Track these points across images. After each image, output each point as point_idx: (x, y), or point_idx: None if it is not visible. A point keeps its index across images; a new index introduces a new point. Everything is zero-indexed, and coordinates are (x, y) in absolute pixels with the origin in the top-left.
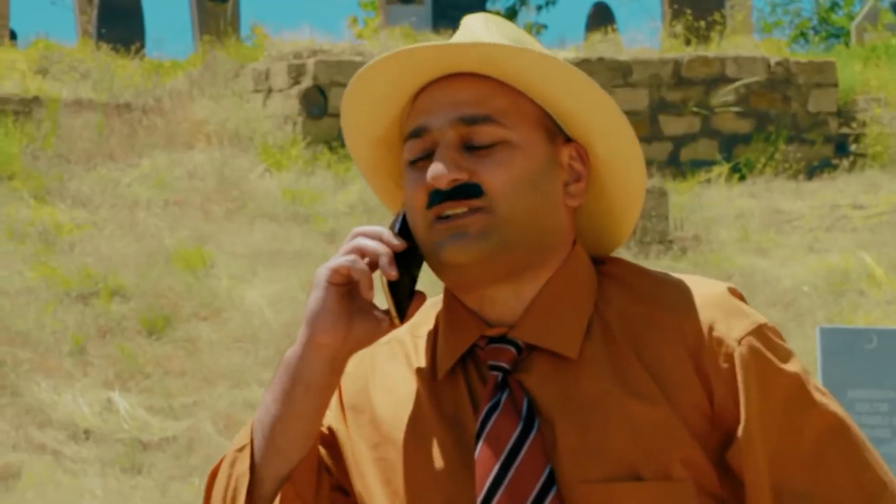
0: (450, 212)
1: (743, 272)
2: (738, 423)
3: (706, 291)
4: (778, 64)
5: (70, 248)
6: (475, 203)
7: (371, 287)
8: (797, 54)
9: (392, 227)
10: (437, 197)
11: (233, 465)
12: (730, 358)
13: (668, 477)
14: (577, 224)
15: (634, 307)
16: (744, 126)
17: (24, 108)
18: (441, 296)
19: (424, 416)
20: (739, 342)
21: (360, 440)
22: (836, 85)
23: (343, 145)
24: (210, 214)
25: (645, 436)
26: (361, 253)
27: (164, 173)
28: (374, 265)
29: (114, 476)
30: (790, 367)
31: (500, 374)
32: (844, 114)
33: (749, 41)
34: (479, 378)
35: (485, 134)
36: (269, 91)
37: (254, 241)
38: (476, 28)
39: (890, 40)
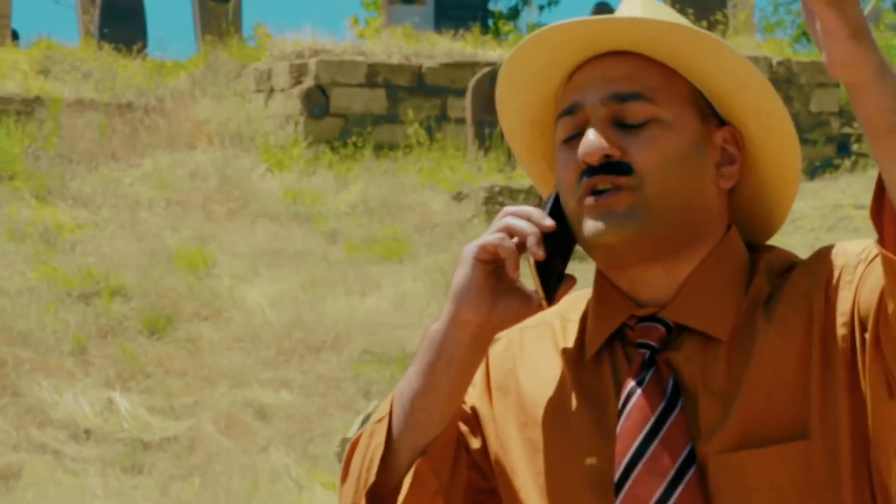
0: (600, 186)
1: None
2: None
3: (849, 241)
4: (780, 64)
5: (71, 248)
6: (624, 181)
7: (517, 266)
8: (799, 54)
9: (543, 207)
10: (588, 172)
11: (371, 435)
12: (851, 266)
13: (803, 436)
14: (733, 213)
15: (778, 278)
16: None
17: (26, 107)
18: (591, 287)
19: (568, 397)
20: (862, 251)
21: (507, 421)
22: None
23: (344, 145)
24: (211, 214)
25: (779, 403)
26: (510, 232)
27: (166, 173)
28: (522, 245)
29: (114, 476)
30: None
31: (647, 352)
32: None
33: (751, 41)
34: (625, 359)
35: (636, 111)
36: (271, 91)
37: (255, 240)
38: (634, 7)
39: (892, 40)
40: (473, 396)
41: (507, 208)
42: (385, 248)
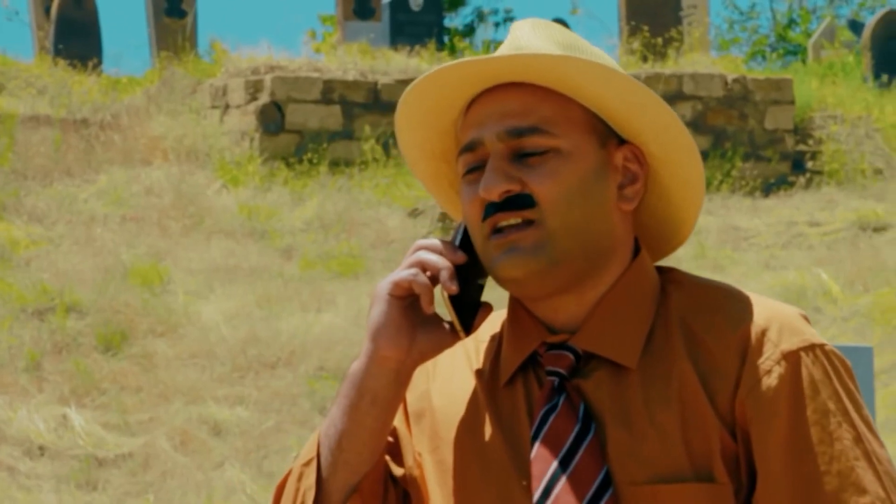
0: (503, 223)
1: None
2: (761, 440)
3: (772, 305)
4: (735, 81)
5: (26, 264)
6: (527, 214)
7: (432, 301)
8: (754, 71)
9: (453, 240)
10: (491, 209)
11: (300, 479)
12: (769, 371)
13: (710, 479)
14: (638, 229)
15: (696, 314)
16: (700, 143)
17: None
18: (506, 309)
19: (482, 421)
20: (784, 355)
21: (422, 443)
22: (792, 102)
23: (300, 161)
24: (167, 230)
25: (690, 440)
26: (423, 266)
27: (121, 189)
28: (436, 278)
29: (69, 492)
30: (826, 397)
31: (556, 379)
32: (801, 131)
33: (706, 58)
34: (538, 385)
35: (534, 144)
36: (227, 107)
37: (210, 256)
38: (523, 35)
39: (847, 57)
40: (394, 421)
41: (419, 242)
42: (341, 264)
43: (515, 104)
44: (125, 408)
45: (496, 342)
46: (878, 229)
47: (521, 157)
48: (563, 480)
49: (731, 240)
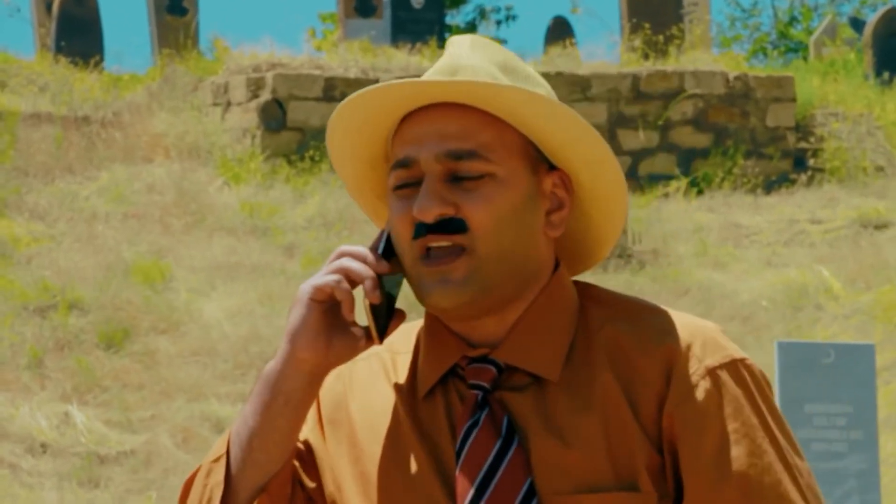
0: (434, 244)
1: (701, 286)
2: (690, 454)
3: (692, 320)
4: (736, 78)
5: (28, 262)
6: (458, 239)
7: (353, 309)
8: (756, 69)
9: (375, 248)
10: (423, 229)
11: (208, 475)
12: (695, 386)
13: (634, 488)
14: (557, 243)
15: (617, 326)
16: (702, 140)
17: None
18: (422, 318)
19: (403, 434)
20: (709, 371)
21: (340, 455)
22: (794, 99)
23: (301, 158)
24: (168, 228)
25: (614, 450)
26: (346, 274)
27: (123, 186)
28: (356, 284)
29: (71, 490)
30: (750, 412)
31: (480, 393)
32: (802, 128)
33: (707, 55)
34: (458, 398)
35: (471, 168)
36: (228, 104)
37: (212, 254)
38: (462, 53)
39: (848, 55)
40: (306, 431)
41: (343, 248)
42: None
43: (454, 127)
44: (127, 405)
45: (414, 355)
46: (880, 227)
47: (456, 179)
48: (486, 495)
49: (732, 237)
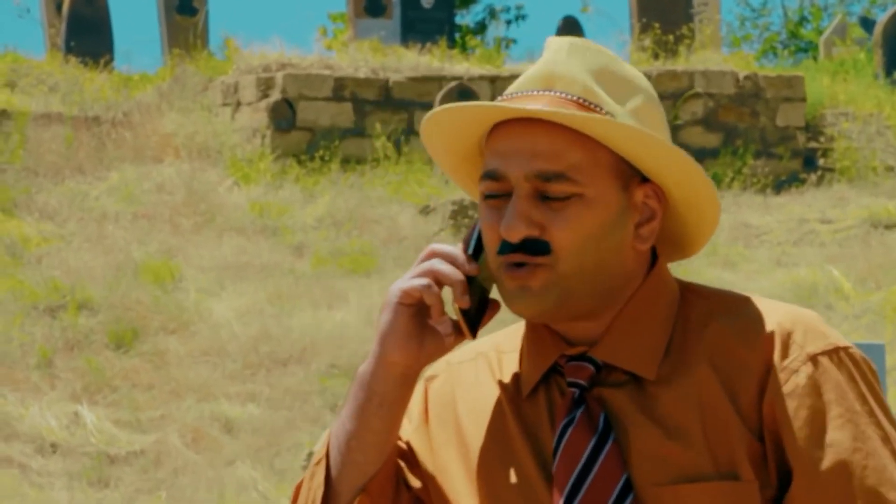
0: (518, 261)
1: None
2: (794, 440)
3: (792, 309)
4: (746, 78)
5: (38, 262)
6: (540, 260)
7: (442, 312)
8: (766, 68)
9: (466, 247)
10: (507, 248)
11: (312, 477)
12: (796, 372)
13: (735, 477)
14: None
15: (718, 319)
16: (712, 140)
17: None
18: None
19: (509, 432)
20: (810, 357)
21: (447, 454)
22: (804, 99)
23: (311, 158)
24: (178, 227)
25: (713, 440)
26: (435, 277)
27: (133, 186)
28: (444, 286)
29: (80, 490)
30: (853, 399)
31: (576, 391)
32: (812, 128)
33: (717, 55)
34: (560, 395)
35: (559, 189)
36: (238, 104)
37: (222, 254)
38: (559, 59)
39: (858, 55)
40: (409, 432)
41: (433, 247)
42: (352, 261)
43: (545, 146)
44: (137, 405)
45: (517, 353)
46: (890, 226)
47: (544, 198)
48: (583, 491)
49: (742, 237)
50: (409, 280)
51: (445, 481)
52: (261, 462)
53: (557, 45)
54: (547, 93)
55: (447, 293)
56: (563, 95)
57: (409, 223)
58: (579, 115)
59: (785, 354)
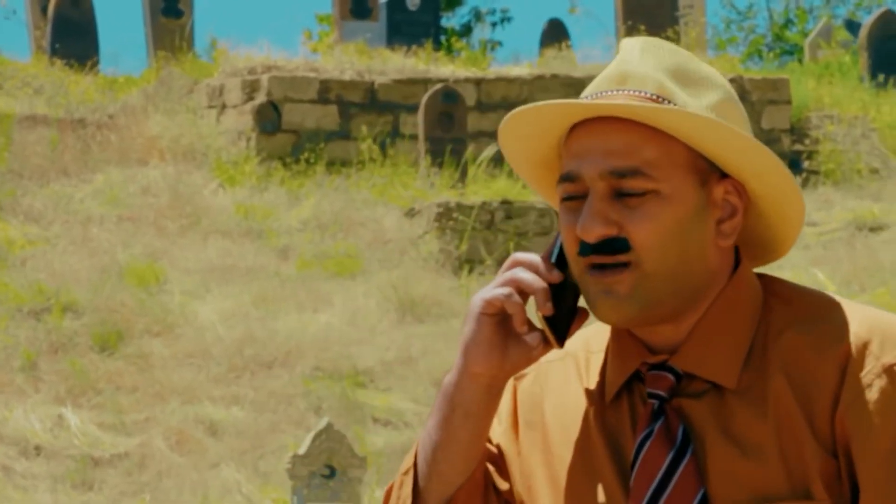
0: (599, 262)
1: None
2: (863, 454)
3: (875, 315)
4: (731, 80)
5: (22, 264)
6: (622, 258)
7: (524, 322)
8: (751, 71)
9: (548, 256)
10: (587, 249)
11: (400, 487)
12: (869, 386)
13: (808, 496)
14: (740, 237)
15: (797, 327)
16: None
17: None
18: None
19: (592, 438)
20: (885, 369)
21: (533, 457)
22: (789, 102)
23: (296, 161)
24: (163, 230)
25: (787, 458)
26: (517, 286)
27: (118, 189)
28: (528, 296)
29: (64, 492)
30: None
31: (656, 402)
32: (798, 131)
33: (703, 57)
34: (642, 403)
35: (635, 185)
36: (223, 107)
37: (207, 256)
38: (632, 59)
39: (843, 57)
40: (499, 433)
41: (515, 256)
42: (337, 264)
43: (619, 143)
44: (121, 408)
45: (603, 353)
46: (875, 229)
47: (620, 195)
48: None
49: None
50: (491, 290)
51: (531, 486)
52: (245, 465)
53: (630, 45)
54: (621, 91)
55: (533, 303)
56: (637, 93)
57: (394, 225)
58: (650, 107)
59: (861, 366)
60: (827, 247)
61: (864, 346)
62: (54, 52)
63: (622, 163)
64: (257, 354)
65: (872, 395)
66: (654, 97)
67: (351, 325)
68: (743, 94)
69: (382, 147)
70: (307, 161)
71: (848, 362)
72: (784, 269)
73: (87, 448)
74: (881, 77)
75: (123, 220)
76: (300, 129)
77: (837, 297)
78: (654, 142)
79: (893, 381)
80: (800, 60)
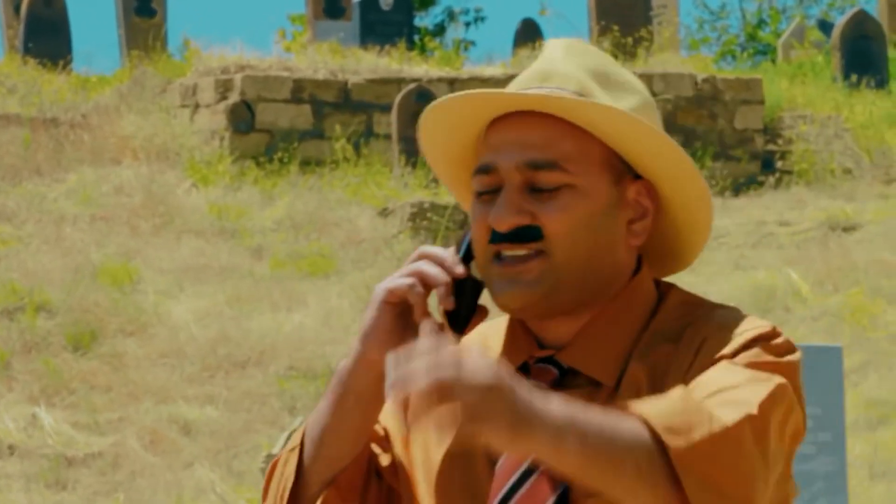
0: (509, 253)
1: None
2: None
3: (753, 319)
4: (705, 80)
5: None
6: (534, 246)
7: (425, 313)
8: (724, 71)
9: (457, 250)
10: (498, 237)
11: (285, 464)
12: (704, 340)
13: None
14: (645, 245)
15: (683, 328)
16: None
17: None
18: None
19: None
20: (720, 331)
21: (416, 441)
22: (762, 102)
23: (270, 160)
24: (137, 230)
25: None
26: (421, 277)
27: (91, 188)
28: (431, 288)
29: (38, 491)
30: (729, 351)
31: None
32: (771, 131)
33: (676, 58)
34: None
35: (549, 178)
36: (197, 106)
37: (180, 256)
38: (556, 58)
39: (816, 57)
40: (389, 415)
41: (422, 249)
42: (311, 264)
43: (536, 136)
44: (95, 407)
45: (499, 347)
46: (848, 229)
47: (534, 190)
48: (521, 491)
49: None
50: (394, 279)
51: (409, 472)
52: (219, 464)
53: (554, 45)
54: (543, 88)
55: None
56: (560, 90)
57: (367, 225)
58: (571, 100)
59: (710, 342)
60: (800, 247)
61: (719, 328)
62: (27, 52)
63: (539, 155)
64: (231, 354)
65: (701, 346)
66: (575, 94)
67: (325, 325)
68: (716, 94)
69: (356, 147)
70: (281, 160)
71: (701, 346)
72: (758, 268)
73: (60, 447)
74: (854, 77)
75: (97, 220)
76: (273, 129)
77: (734, 306)
78: (572, 137)
79: (724, 340)
80: (773, 60)
